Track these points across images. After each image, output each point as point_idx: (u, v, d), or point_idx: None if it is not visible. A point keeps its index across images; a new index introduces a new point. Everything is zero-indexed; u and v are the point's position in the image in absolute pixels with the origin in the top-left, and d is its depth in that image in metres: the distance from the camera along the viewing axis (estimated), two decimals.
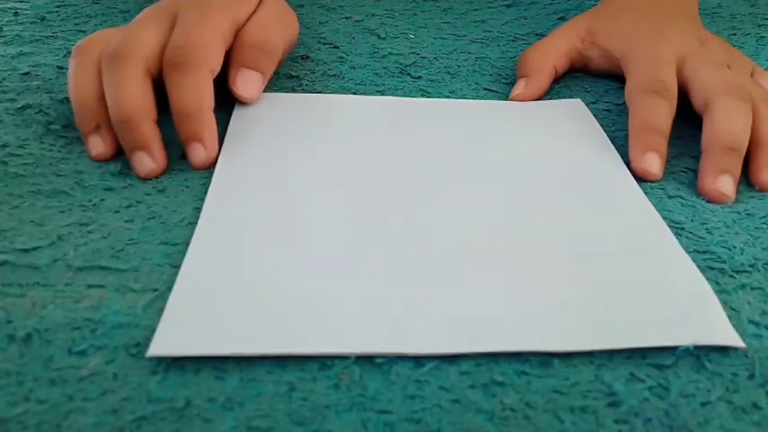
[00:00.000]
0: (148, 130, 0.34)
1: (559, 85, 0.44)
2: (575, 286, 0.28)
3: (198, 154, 0.35)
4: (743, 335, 0.27)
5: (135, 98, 0.34)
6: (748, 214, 0.33)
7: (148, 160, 0.34)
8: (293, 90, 0.42)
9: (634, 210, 0.33)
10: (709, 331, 0.26)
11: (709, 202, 0.34)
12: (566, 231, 0.31)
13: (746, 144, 0.35)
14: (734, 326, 0.27)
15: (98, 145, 0.35)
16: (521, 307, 0.27)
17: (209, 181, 0.34)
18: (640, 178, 0.35)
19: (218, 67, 0.37)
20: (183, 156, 0.36)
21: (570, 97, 0.43)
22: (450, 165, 0.35)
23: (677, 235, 0.32)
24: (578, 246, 0.30)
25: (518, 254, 0.30)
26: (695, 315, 0.27)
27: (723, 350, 0.26)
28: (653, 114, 0.37)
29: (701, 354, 0.26)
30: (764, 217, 0.33)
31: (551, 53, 0.44)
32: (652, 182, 0.35)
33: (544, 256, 0.29)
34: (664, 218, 0.32)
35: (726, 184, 0.34)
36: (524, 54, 0.44)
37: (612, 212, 0.32)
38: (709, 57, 0.40)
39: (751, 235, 0.32)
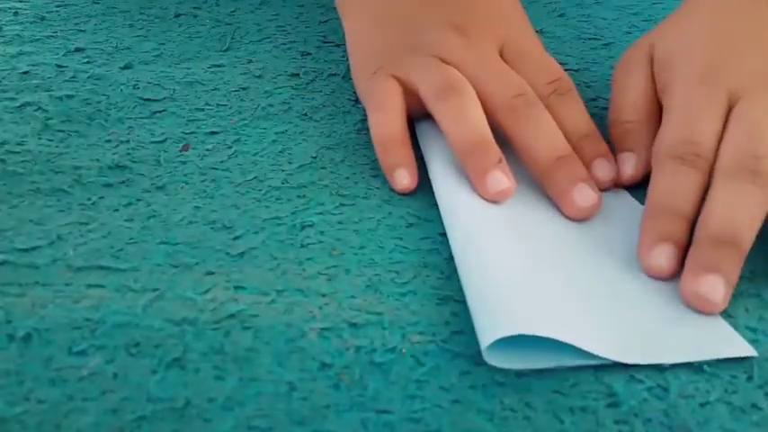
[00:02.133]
0: (497, 151, 0.32)
1: None
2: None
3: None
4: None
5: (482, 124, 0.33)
6: None
7: (504, 178, 0.32)
8: (293, 88, 0.42)
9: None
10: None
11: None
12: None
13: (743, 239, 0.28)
14: None
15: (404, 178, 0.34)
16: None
17: (209, 179, 0.35)
18: (649, 275, 0.29)
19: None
20: (183, 149, 0.36)
21: None
22: None
23: None
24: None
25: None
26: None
27: None
28: (674, 190, 0.30)
29: None
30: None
31: (647, 103, 0.35)
32: (663, 279, 0.29)
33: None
34: None
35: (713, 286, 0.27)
36: (620, 118, 0.35)
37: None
38: (764, 103, 0.31)
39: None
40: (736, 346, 0.26)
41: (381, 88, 0.36)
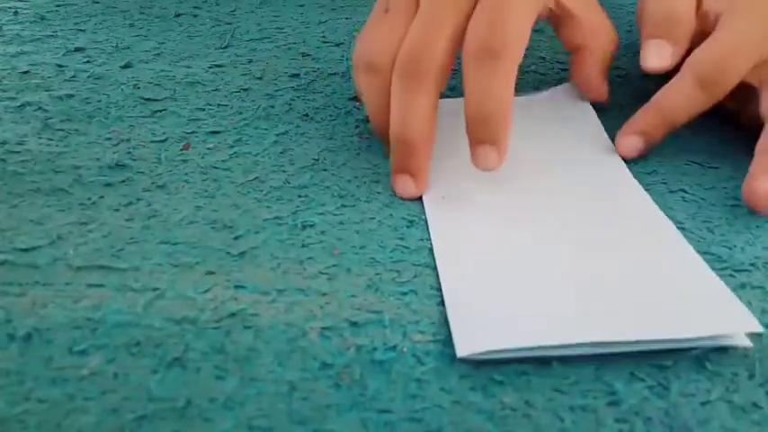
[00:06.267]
0: (425, 157, 0.33)
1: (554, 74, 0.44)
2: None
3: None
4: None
5: (422, 125, 0.32)
6: (750, 212, 0.33)
7: (413, 185, 0.33)
8: (294, 89, 0.42)
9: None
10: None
11: (749, 204, 0.32)
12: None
13: None
14: None
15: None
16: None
17: (210, 178, 0.35)
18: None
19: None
20: (184, 148, 0.36)
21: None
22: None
23: None
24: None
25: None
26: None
27: (723, 350, 0.26)
28: None
29: (701, 354, 0.26)
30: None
31: (688, 9, 0.36)
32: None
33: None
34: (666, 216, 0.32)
35: None
36: (657, 7, 0.36)
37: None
38: None
39: (752, 234, 0.32)
40: (740, 320, 0.26)
41: None
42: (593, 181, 0.35)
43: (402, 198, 0.34)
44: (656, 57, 0.35)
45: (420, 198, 0.34)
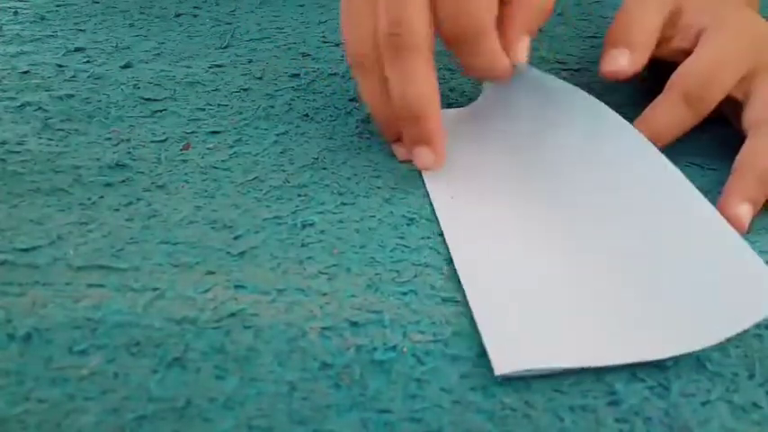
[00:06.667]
0: (434, 122, 0.33)
1: None
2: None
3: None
4: (744, 335, 0.27)
5: (422, 86, 0.32)
6: None
7: (430, 155, 0.33)
8: (294, 89, 0.42)
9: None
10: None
11: None
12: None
13: None
14: None
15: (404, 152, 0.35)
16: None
17: (210, 178, 0.35)
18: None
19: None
20: (184, 148, 0.36)
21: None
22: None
23: None
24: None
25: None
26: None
27: (723, 350, 0.26)
28: None
29: (701, 354, 0.26)
30: (764, 220, 0.33)
31: (651, 25, 0.36)
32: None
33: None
34: None
35: (746, 214, 0.31)
36: (621, 21, 0.36)
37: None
38: None
39: (751, 236, 0.32)
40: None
41: None
42: (620, 177, 0.33)
43: (425, 170, 0.34)
44: (611, 62, 0.35)
45: (425, 192, 0.34)
